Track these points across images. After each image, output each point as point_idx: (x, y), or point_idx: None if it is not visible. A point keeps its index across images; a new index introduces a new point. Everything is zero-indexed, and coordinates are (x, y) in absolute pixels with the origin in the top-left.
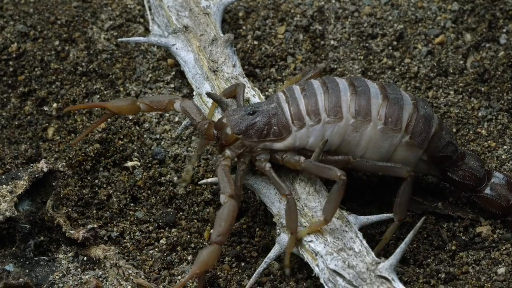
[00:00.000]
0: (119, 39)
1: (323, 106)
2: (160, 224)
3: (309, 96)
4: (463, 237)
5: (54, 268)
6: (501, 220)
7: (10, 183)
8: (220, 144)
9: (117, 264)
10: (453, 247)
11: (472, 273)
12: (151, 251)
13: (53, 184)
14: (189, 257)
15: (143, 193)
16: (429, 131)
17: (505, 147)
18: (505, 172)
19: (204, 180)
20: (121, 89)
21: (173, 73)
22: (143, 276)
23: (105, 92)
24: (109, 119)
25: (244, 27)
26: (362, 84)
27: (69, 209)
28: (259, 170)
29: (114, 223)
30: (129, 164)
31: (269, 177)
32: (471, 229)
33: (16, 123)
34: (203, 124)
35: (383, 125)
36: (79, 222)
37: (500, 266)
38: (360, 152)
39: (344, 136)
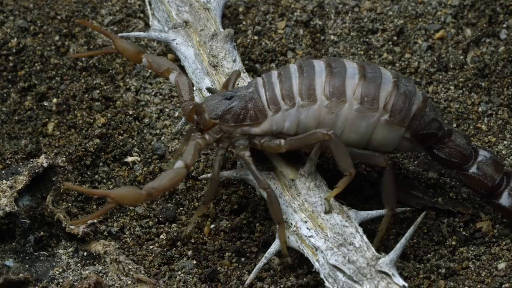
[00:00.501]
0: (119, 34)
1: (297, 89)
2: (160, 219)
3: (284, 80)
4: (463, 232)
5: (54, 263)
6: (485, 200)
7: (10, 178)
8: (198, 129)
9: (117, 260)
10: (453, 242)
11: (472, 269)
12: (151, 246)
13: (53, 179)
14: (189, 252)
15: None
16: (410, 109)
17: (505, 142)
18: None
19: (204, 175)
20: (121, 84)
21: None
22: (143, 271)
23: (105, 87)
24: (109, 114)
25: (244, 22)
26: (339, 65)
27: (69, 204)
28: (238, 157)
29: (114, 218)
30: (129, 159)
31: (248, 166)
32: (471, 224)
33: (16, 118)
34: (188, 104)
35: (359, 105)
36: (79, 218)
37: (500, 262)
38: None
39: (319, 118)
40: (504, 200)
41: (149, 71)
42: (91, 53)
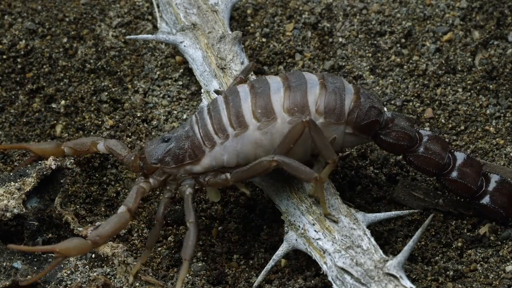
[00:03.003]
0: (127, 37)
1: (227, 120)
2: (168, 221)
3: (213, 114)
4: (468, 233)
5: (62, 265)
6: (436, 180)
7: (18, 180)
8: (143, 173)
9: (125, 261)
10: (459, 244)
11: (480, 271)
12: (159, 249)
13: (61, 181)
14: (198, 254)
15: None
16: (343, 105)
17: None
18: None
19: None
20: (129, 86)
21: (181, 70)
22: (151, 274)
23: (113, 89)
24: (117, 116)
25: (252, 25)
26: (262, 83)
27: (77, 206)
28: (180, 195)
29: None
30: None
31: (185, 200)
32: (480, 227)
33: (24, 120)
34: (129, 157)
35: (290, 117)
36: (87, 220)
37: (508, 264)
38: (279, 147)
39: (256, 142)
40: (486, 200)
41: (157, 73)
42: (22, 164)
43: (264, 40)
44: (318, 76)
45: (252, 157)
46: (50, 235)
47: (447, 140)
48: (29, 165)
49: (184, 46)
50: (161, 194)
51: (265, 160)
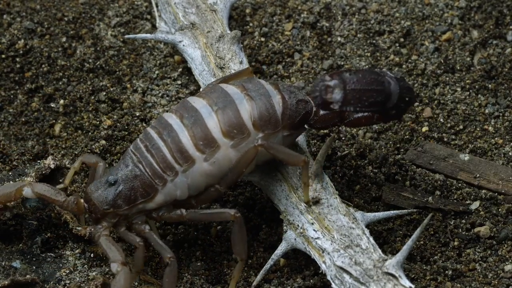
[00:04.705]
0: (126, 36)
1: (171, 158)
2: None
3: (155, 152)
4: (466, 233)
5: (61, 265)
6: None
7: (17, 179)
8: (95, 219)
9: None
10: (456, 243)
11: (479, 270)
12: None
13: (60, 180)
14: (197, 253)
15: None
16: (275, 111)
17: None
18: None
19: None
20: (128, 85)
21: (180, 69)
22: (150, 273)
23: (112, 89)
24: (115, 116)
25: (251, 24)
26: (191, 110)
27: None
28: (138, 233)
29: None
30: None
31: (150, 240)
32: (479, 226)
33: (23, 119)
34: (70, 202)
35: (231, 141)
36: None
37: (507, 263)
38: (232, 174)
39: (206, 174)
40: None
41: (156, 72)
42: None
43: (263, 39)
44: (240, 88)
45: (203, 187)
46: (49, 234)
47: (445, 139)
48: (28, 165)
49: (183, 45)
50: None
51: (228, 213)
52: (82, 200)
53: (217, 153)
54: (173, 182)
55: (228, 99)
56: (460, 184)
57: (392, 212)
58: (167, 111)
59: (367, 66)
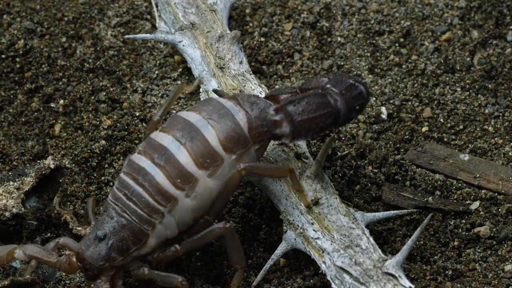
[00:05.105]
0: (126, 36)
1: (153, 201)
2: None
3: (136, 199)
4: (466, 233)
5: None
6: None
7: (17, 179)
8: (92, 275)
9: None
10: (456, 243)
11: (479, 270)
12: None
13: (60, 180)
14: (197, 253)
15: None
16: (241, 130)
17: None
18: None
19: None
20: (128, 85)
21: (180, 70)
22: None
23: (112, 89)
24: (115, 116)
25: (251, 24)
26: (159, 148)
27: (76, 206)
28: (139, 279)
29: None
30: None
31: (154, 278)
32: (478, 226)
33: (23, 119)
34: (63, 262)
35: (207, 171)
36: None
37: (507, 263)
38: (219, 202)
39: (191, 209)
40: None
41: (156, 72)
42: None
43: (262, 39)
44: (200, 113)
45: (191, 221)
46: (49, 234)
47: (445, 139)
48: (27, 165)
49: (183, 45)
50: None
51: (217, 228)
52: (74, 259)
53: (197, 187)
54: (161, 223)
55: (192, 128)
56: (460, 184)
57: (392, 212)
58: (135, 153)
59: (367, 66)
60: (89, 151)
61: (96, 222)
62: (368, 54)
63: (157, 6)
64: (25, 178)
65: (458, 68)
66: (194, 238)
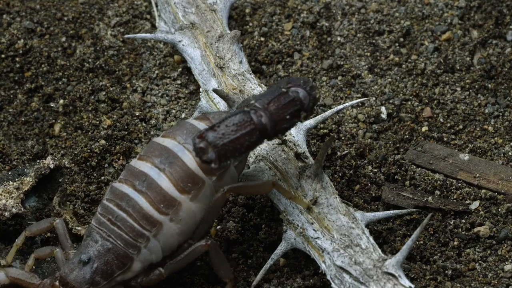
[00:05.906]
0: (126, 36)
1: (138, 226)
2: None
3: (121, 223)
4: (464, 232)
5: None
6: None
7: (16, 179)
8: None
9: None
10: (455, 243)
11: (479, 270)
12: None
13: (60, 180)
14: None
15: None
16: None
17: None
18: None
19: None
20: (128, 85)
21: (180, 69)
22: None
23: (111, 89)
24: (115, 116)
25: (250, 24)
26: (141, 175)
27: (76, 206)
28: None
29: None
30: None
31: None
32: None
33: (23, 119)
34: (46, 285)
35: (189, 195)
36: (86, 219)
37: (507, 263)
38: (203, 225)
39: (176, 233)
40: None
41: (156, 72)
42: None
43: (262, 39)
44: (175, 138)
45: (176, 246)
46: (48, 234)
47: (445, 139)
48: (27, 164)
49: (183, 45)
50: None
51: (199, 246)
52: (57, 283)
53: (180, 211)
54: (147, 247)
55: (170, 154)
56: (460, 184)
57: (392, 212)
58: (116, 181)
59: (366, 66)
60: (88, 150)
61: (79, 247)
62: (368, 54)
63: (157, 6)
64: (25, 178)
65: (458, 68)
66: (178, 259)
